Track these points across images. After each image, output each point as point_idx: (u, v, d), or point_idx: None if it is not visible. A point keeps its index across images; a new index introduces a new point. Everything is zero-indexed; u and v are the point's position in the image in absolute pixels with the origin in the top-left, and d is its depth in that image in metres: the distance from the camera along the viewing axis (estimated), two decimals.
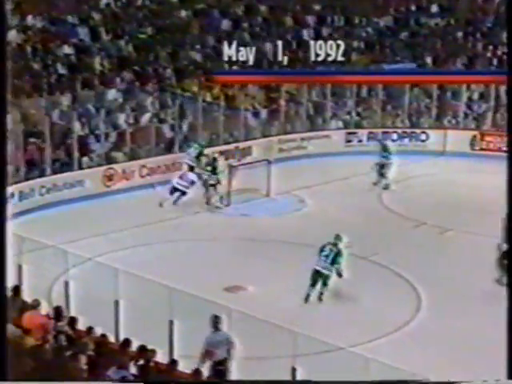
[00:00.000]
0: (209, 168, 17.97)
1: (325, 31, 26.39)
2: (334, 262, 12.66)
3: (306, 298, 12.61)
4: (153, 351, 8.77)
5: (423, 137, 22.59)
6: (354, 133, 22.87)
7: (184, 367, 8.77)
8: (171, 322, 9.90)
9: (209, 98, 22.07)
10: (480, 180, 19.50)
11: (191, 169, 18.52)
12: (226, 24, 25.79)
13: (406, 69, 24.31)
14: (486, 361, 10.59)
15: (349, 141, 22.73)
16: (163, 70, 22.46)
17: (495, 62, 24.30)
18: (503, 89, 22.96)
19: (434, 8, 27.29)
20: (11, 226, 7.87)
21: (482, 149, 22.20)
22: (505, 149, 21.84)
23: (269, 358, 10.12)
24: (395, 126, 23.12)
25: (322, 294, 12.69)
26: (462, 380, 7.93)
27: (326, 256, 12.72)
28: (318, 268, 12.71)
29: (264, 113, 22.52)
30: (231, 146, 20.83)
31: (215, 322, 9.62)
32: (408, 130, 22.69)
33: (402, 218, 16.99)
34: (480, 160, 21.31)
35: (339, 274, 12.66)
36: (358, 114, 23.47)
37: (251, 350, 9.88)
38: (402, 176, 20.17)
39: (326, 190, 18.76)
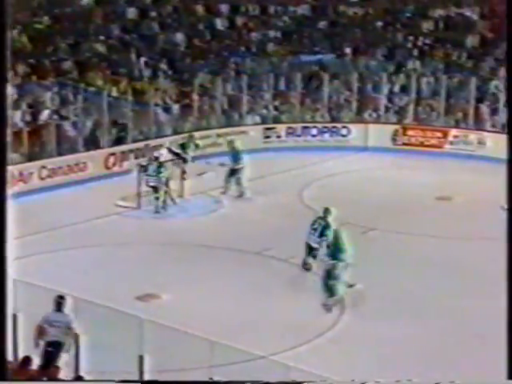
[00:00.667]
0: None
1: (239, 21, 26.52)
2: (321, 234, 13.37)
3: (304, 265, 13.55)
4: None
5: (344, 131, 22.95)
6: (272, 128, 23.03)
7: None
8: (77, 336, 9.72)
9: (115, 93, 21.81)
10: (403, 176, 19.95)
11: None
12: (132, 13, 25.58)
13: (324, 59, 24.73)
14: (417, 360, 10.90)
15: (267, 136, 22.88)
16: (63, 63, 22.07)
17: (416, 52, 24.90)
18: (425, 80, 23.64)
19: None
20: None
21: (404, 143, 22.72)
22: (427, 143, 22.59)
23: (184, 369, 10.06)
24: (315, 121, 23.40)
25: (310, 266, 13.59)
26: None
27: (315, 229, 13.52)
28: (308, 241, 13.59)
29: (176, 108, 22.38)
30: (141, 144, 20.64)
31: (58, 302, 9.80)
32: (328, 125, 23.00)
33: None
34: (402, 155, 21.81)
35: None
36: (276, 109, 23.63)
37: (166, 362, 9.81)
38: (323, 173, 20.46)
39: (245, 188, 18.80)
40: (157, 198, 17.25)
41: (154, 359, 9.40)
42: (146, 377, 9.35)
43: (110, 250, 15.16)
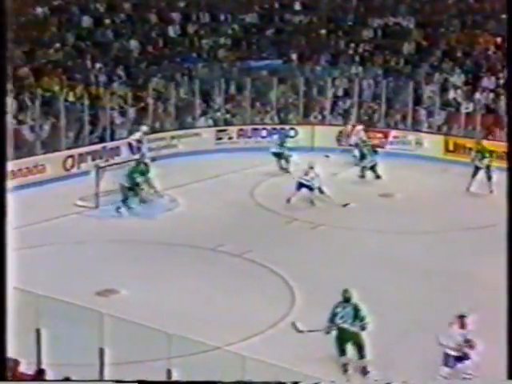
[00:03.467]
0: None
1: (191, 28, 26.39)
2: (355, 318, 10.68)
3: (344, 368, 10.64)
4: (16, 361, 8.41)
5: (292, 133, 22.98)
6: (224, 130, 22.96)
7: (54, 376, 8.49)
8: (38, 331, 9.52)
9: (72, 98, 21.52)
10: (347, 175, 20.05)
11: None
12: (86, 21, 25.26)
13: (272, 65, 24.75)
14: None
15: (219, 138, 22.80)
16: (19, 70, 21.69)
17: (357, 58, 25.08)
18: (366, 85, 23.82)
19: (297, 6, 27.86)
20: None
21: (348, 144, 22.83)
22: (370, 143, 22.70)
23: (144, 361, 9.93)
24: (264, 123, 23.39)
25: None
26: None
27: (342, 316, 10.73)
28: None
29: (131, 111, 22.16)
30: (98, 146, 20.37)
31: None
32: (277, 127, 23.00)
33: (275, 214, 17.18)
34: (347, 155, 21.92)
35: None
36: (227, 112, 23.56)
37: (125, 355, 9.67)
38: (273, 172, 20.46)
39: (197, 188, 18.71)
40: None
41: (114, 352, 9.25)
42: (106, 369, 9.20)
43: (70, 247, 14.93)
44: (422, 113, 22.99)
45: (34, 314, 9.56)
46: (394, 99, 23.30)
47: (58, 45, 23.56)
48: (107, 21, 25.58)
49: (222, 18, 27.09)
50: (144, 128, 20.01)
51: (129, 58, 24.30)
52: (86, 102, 20.84)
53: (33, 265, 13.68)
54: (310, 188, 17.58)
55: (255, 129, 23.04)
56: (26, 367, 8.72)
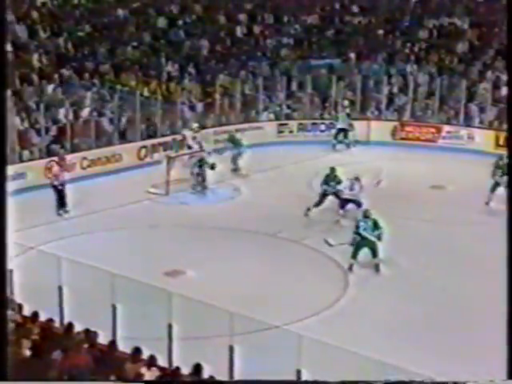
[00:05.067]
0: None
1: (256, 29, 26.36)
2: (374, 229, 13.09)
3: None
4: (95, 333, 8.63)
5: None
6: (285, 124, 22.92)
7: (126, 347, 8.67)
8: (114, 306, 9.73)
9: (146, 93, 21.77)
10: (401, 167, 19.78)
11: None
12: (161, 22, 25.48)
13: (331, 63, 24.54)
14: (410, 334, 10.83)
15: (280, 131, 22.77)
16: (101, 66, 22.05)
17: (412, 57, 24.65)
18: (421, 82, 23.43)
19: (356, 8, 27.55)
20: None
21: (402, 138, 22.55)
22: (423, 138, 22.42)
23: (208, 337, 10.04)
24: (323, 118, 23.23)
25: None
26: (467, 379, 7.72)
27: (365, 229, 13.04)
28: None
29: (200, 106, 22.30)
30: (169, 138, 20.59)
31: None
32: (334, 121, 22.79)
33: (332, 203, 17.07)
34: (401, 149, 21.66)
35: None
36: (289, 107, 23.50)
37: (190, 331, 9.79)
38: (331, 164, 20.27)
39: (259, 178, 18.74)
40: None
41: (181, 328, 9.39)
42: (174, 344, 9.34)
43: (143, 231, 15.15)
44: (474, 109, 22.50)
45: (109, 291, 9.77)
46: (447, 96, 22.85)
47: (135, 44, 23.81)
48: (180, 22, 25.73)
49: (285, 19, 26.95)
50: (194, 125, 19.96)
51: (199, 56, 24.41)
52: (159, 96, 21.07)
53: (109, 246, 13.99)
54: (358, 204, 15.37)
55: (314, 123, 22.87)
56: (102, 339, 8.93)
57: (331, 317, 11.40)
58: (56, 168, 16.72)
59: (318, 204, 15.83)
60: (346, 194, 15.59)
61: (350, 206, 15.59)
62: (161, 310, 9.41)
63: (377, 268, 13.11)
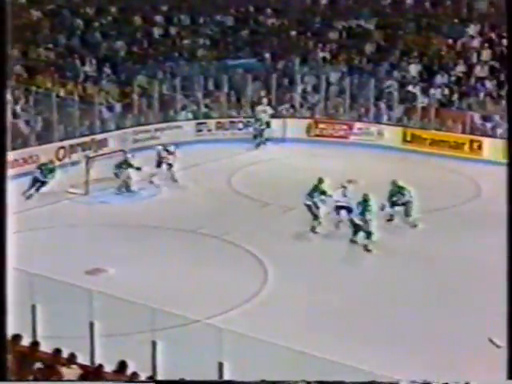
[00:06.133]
0: None
1: (172, 29, 26.14)
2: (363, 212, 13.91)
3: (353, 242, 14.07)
4: (18, 336, 8.33)
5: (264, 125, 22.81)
6: (204, 123, 22.81)
7: (46, 348, 8.41)
8: (33, 307, 9.42)
9: (63, 94, 21.27)
10: (316, 163, 20.02)
11: None
12: (77, 23, 24.92)
13: (247, 63, 24.59)
14: (327, 323, 10.96)
15: (199, 130, 22.66)
16: (14, 68, 21.36)
17: (324, 57, 24.99)
18: (332, 81, 23.79)
19: (269, 10, 27.68)
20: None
21: (316, 135, 22.82)
22: (336, 135, 22.76)
23: (130, 333, 9.87)
24: (240, 116, 23.23)
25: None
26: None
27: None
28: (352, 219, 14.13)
29: (118, 106, 21.94)
30: (88, 139, 20.17)
31: None
32: (252, 120, 22.84)
33: (249, 199, 17.14)
34: (315, 145, 21.92)
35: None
36: (207, 106, 23.40)
37: (113, 328, 9.60)
38: (248, 161, 20.39)
39: (179, 176, 18.57)
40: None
41: (103, 325, 9.18)
42: (97, 341, 9.12)
43: (63, 231, 14.78)
44: (383, 106, 23.02)
45: (29, 291, 9.46)
46: (357, 94, 23.28)
47: (49, 45, 23.22)
48: (95, 23, 25.24)
49: (201, 20, 26.84)
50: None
51: (115, 57, 24.02)
52: (76, 97, 20.63)
53: (28, 246, 13.54)
54: (349, 209, 14.41)
55: (232, 122, 22.86)
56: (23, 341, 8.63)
57: (252, 310, 11.42)
58: None
59: (315, 218, 14.69)
60: (342, 202, 14.62)
61: (343, 213, 14.63)
62: (82, 309, 9.18)
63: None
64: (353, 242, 14.11)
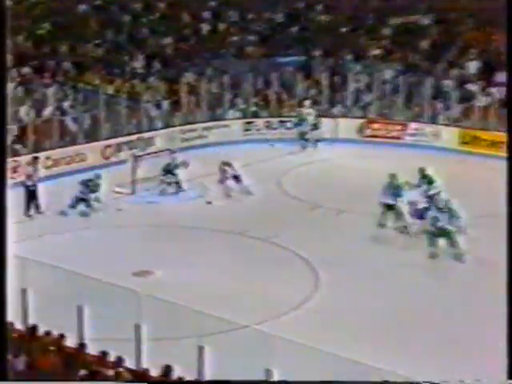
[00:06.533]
0: None
1: (221, 26, 26.25)
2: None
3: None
4: (62, 336, 8.44)
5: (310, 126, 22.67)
6: (252, 122, 22.83)
7: (93, 349, 8.50)
8: (80, 308, 9.54)
9: (111, 91, 21.53)
10: (369, 164, 19.84)
11: None
12: (125, 19, 25.23)
13: (298, 61, 24.52)
14: (380, 335, 10.81)
15: (247, 130, 22.68)
16: (62, 64, 21.72)
17: (381, 54, 24.72)
18: (386, 79, 23.53)
19: (320, 6, 27.56)
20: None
21: (369, 135, 22.62)
22: (389, 135, 22.51)
23: (177, 338, 9.92)
24: (290, 116, 23.16)
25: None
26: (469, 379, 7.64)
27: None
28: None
29: (166, 104, 22.11)
30: (135, 137, 20.39)
31: None
32: (296, 120, 22.64)
33: (300, 201, 17.07)
34: (368, 146, 21.71)
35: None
36: (256, 105, 23.41)
37: (160, 331, 9.65)
38: (299, 162, 20.32)
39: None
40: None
41: (149, 329, 9.24)
42: (143, 345, 9.17)
43: (109, 231, 14.94)
44: (439, 106, 22.67)
45: (75, 292, 9.58)
46: (412, 93, 22.98)
47: (97, 41, 23.54)
48: (144, 19, 25.52)
49: (250, 16, 26.87)
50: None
51: (163, 53, 24.21)
52: (124, 95, 20.86)
53: (75, 247, 13.77)
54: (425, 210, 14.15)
55: (281, 121, 22.78)
56: (69, 341, 8.75)
57: (302, 316, 11.34)
58: (29, 168, 16.42)
59: (399, 217, 14.66)
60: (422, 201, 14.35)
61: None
62: (129, 311, 9.25)
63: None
64: (433, 254, 13.36)
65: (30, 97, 19.60)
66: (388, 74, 23.63)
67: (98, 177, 16.24)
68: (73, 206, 15.84)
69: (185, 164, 17.58)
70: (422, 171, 15.54)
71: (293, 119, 22.52)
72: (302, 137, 21.72)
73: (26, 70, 20.74)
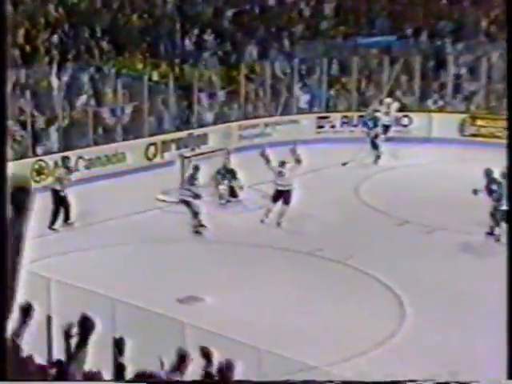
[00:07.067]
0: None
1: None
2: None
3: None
4: (97, 373, 8.67)
5: (405, 121, 22.73)
6: (326, 117, 22.92)
7: None
8: (115, 339, 9.78)
9: (156, 77, 21.85)
10: (471, 171, 19.65)
11: None
12: None
13: (384, 41, 24.51)
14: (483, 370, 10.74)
15: (320, 126, 22.78)
16: (100, 42, 21.99)
17: (492, 30, 24.44)
18: (496, 63, 23.28)
19: None
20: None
21: (472, 134, 22.47)
22: (499, 135, 22.26)
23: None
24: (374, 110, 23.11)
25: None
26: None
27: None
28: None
29: (221, 94, 22.34)
30: (184, 134, 20.71)
31: None
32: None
33: (383, 215, 17.08)
34: (470, 147, 21.54)
35: None
36: (330, 96, 23.49)
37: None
38: (382, 167, 20.32)
39: (294, 183, 18.72)
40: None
41: (196, 365, 9.41)
42: None
43: (150, 247, 15.26)
44: None
45: (109, 320, 9.84)
46: None
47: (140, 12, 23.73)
48: None
49: None
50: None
51: (220, 29, 24.27)
52: (171, 82, 21.18)
53: (110, 265, 14.09)
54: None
55: (362, 116, 22.69)
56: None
57: (383, 356, 11.36)
58: (62, 170, 16.75)
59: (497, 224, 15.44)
60: None
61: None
62: (173, 344, 9.44)
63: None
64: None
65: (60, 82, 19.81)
66: (496, 56, 23.38)
67: None
68: None
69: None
70: None
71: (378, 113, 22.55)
72: (373, 140, 21.39)
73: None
